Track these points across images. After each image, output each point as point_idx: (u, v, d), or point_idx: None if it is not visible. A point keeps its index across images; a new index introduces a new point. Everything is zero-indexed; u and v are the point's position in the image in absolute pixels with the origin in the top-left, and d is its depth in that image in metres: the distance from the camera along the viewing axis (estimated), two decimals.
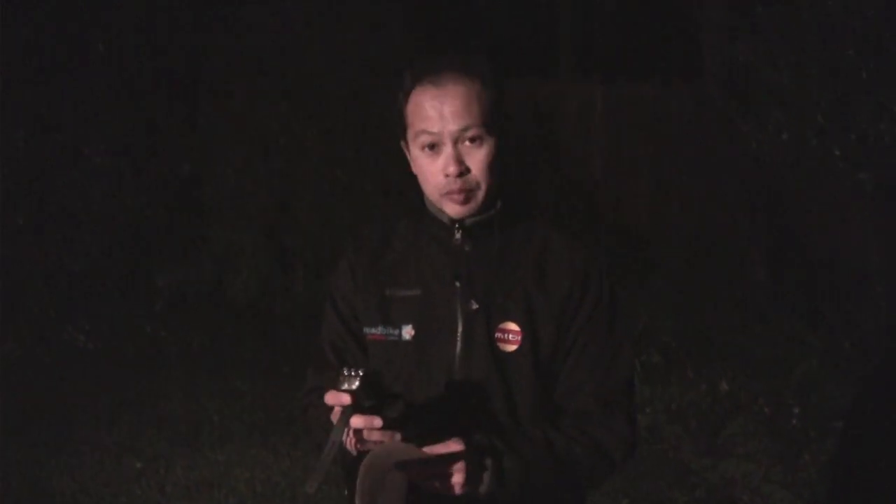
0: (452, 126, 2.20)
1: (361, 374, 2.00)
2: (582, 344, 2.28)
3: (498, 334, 2.26)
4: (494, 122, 2.23)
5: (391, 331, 2.32)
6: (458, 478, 2.05)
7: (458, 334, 2.27)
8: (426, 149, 2.24)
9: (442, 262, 2.31)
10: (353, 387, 2.00)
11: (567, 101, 10.69)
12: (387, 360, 2.32)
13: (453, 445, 2.05)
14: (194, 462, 5.94)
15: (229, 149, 9.03)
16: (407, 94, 2.25)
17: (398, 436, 2.06)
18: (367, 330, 2.36)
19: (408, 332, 2.30)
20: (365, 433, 2.04)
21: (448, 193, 2.24)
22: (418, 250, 2.35)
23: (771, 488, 5.52)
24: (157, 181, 9.26)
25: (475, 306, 2.26)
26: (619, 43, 12.82)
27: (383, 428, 2.03)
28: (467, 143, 2.21)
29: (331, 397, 2.02)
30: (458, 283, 2.28)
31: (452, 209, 2.27)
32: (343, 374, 2.01)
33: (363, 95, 8.43)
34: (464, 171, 2.22)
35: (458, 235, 2.29)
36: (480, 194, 2.24)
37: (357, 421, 2.01)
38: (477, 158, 2.22)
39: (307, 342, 2.41)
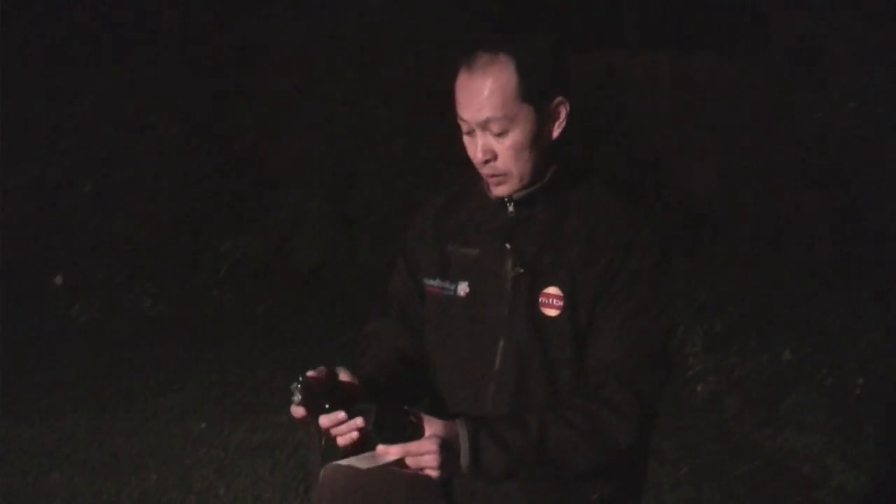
0: (478, 116, 2.25)
1: (300, 382, 2.06)
2: (609, 315, 2.27)
3: (542, 299, 2.29)
4: (531, 101, 2.25)
5: (447, 285, 2.39)
6: (430, 461, 2.08)
7: (505, 296, 2.32)
8: (464, 133, 2.32)
9: (496, 225, 2.37)
10: (298, 399, 2.06)
11: (632, 72, 10.60)
12: (441, 313, 2.41)
13: (424, 444, 2.08)
14: (256, 424, 6.00)
15: (293, 117, 9.06)
16: (455, 76, 2.30)
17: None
18: (425, 281, 2.44)
19: (463, 289, 2.37)
20: (338, 429, 2.10)
21: (484, 175, 2.32)
22: (480, 212, 2.41)
23: (832, 459, 5.46)
24: (221, 149, 9.35)
25: (521, 270, 2.30)
26: (685, 13, 12.66)
27: (350, 416, 2.09)
28: (493, 133, 2.26)
29: (295, 413, 2.10)
30: (508, 246, 2.33)
31: (492, 190, 2.35)
32: (291, 389, 2.06)
33: (427, 64, 8.41)
34: (490, 159, 2.28)
35: (510, 208, 2.35)
36: (513, 178, 2.30)
37: (324, 422, 2.09)
38: (503, 148, 2.27)
39: (369, 310, 2.47)
